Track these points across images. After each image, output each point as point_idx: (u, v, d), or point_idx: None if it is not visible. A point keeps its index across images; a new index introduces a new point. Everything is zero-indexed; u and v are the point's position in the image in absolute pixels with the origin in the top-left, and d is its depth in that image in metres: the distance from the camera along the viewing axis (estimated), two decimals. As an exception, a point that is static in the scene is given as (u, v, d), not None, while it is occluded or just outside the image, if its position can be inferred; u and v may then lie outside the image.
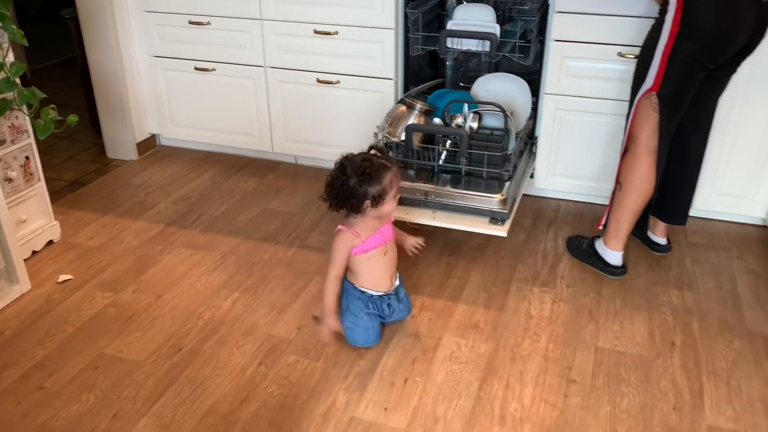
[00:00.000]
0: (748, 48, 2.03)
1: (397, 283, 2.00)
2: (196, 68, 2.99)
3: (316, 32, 2.72)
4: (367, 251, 1.88)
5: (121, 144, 3.18)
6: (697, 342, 1.96)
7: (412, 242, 2.09)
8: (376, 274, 1.92)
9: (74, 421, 1.69)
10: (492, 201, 2.23)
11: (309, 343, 1.96)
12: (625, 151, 2.16)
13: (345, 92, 2.79)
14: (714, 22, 1.91)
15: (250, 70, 2.91)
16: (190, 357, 1.91)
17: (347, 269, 1.93)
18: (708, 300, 2.15)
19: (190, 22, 2.89)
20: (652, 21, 2.03)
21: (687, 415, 1.71)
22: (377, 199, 1.79)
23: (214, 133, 3.12)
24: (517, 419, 1.70)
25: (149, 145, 3.27)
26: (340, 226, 1.88)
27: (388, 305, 1.94)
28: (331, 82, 2.79)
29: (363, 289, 1.92)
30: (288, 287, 2.22)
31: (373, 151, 1.86)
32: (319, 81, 2.80)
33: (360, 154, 1.86)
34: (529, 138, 2.70)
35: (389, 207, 1.85)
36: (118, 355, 1.92)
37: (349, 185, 1.79)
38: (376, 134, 2.40)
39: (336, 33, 2.69)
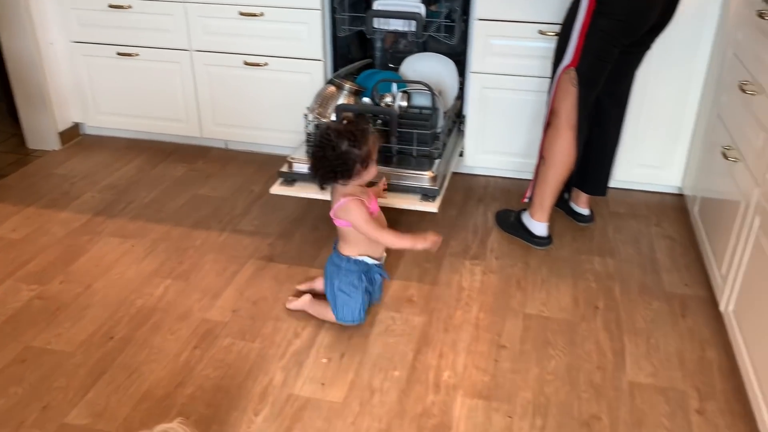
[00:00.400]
0: (659, 25, 2.13)
1: (385, 254, 2.02)
2: (118, 53, 2.90)
3: (241, 14, 2.68)
4: (372, 215, 1.90)
5: (42, 134, 3.06)
6: (618, 305, 2.06)
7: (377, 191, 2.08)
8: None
9: (1, 415, 1.64)
10: (423, 178, 2.27)
11: (244, 326, 1.96)
12: (548, 126, 2.23)
13: (273, 74, 2.77)
14: (628, 0, 1.99)
15: (176, 54, 2.85)
16: (123, 345, 1.88)
17: (342, 243, 1.93)
18: (628, 265, 2.26)
19: (110, 6, 2.80)
20: (570, -1, 2.11)
21: (610, 373, 1.80)
22: (366, 160, 1.81)
23: (140, 120, 3.05)
24: (450, 386, 1.75)
25: (72, 135, 3.17)
26: (343, 199, 1.85)
27: (380, 275, 1.96)
28: (259, 65, 2.76)
29: (359, 259, 1.91)
30: (221, 272, 2.21)
31: (345, 121, 1.88)
32: (246, 63, 2.77)
33: (336, 121, 1.87)
34: (458, 116, 2.75)
35: (374, 168, 1.86)
36: (46, 347, 1.87)
37: (342, 150, 1.78)
38: (306, 115, 2.40)
39: (262, 14, 2.67)
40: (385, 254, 2.02)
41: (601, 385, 1.76)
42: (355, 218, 1.84)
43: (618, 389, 1.75)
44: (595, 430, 1.63)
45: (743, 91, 1.89)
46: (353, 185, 1.86)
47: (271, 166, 2.87)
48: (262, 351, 1.87)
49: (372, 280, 1.95)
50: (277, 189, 2.31)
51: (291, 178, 2.31)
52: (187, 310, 2.02)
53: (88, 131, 3.22)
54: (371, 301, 2.00)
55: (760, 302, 1.63)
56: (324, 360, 1.84)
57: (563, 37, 2.12)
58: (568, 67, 2.08)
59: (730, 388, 1.76)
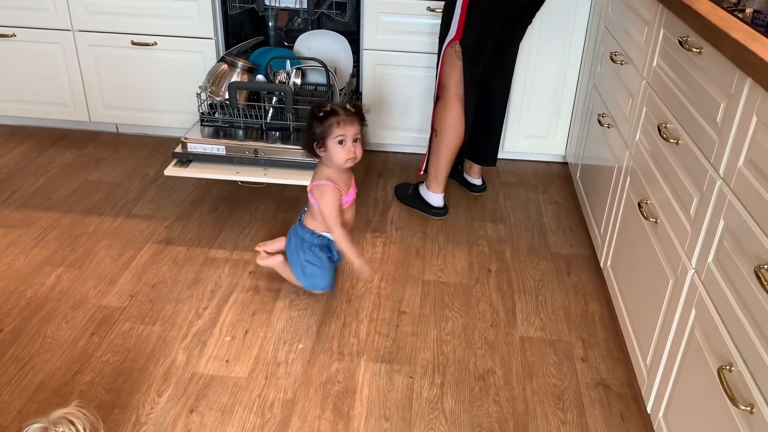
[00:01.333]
0: (537, 1, 2.24)
1: None
2: (-8, 34, 2.74)
3: (126, -8, 2.60)
4: (348, 203, 1.93)
5: None
6: (509, 266, 2.19)
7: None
8: (345, 222, 1.95)
9: None
10: (320, 154, 2.29)
11: (144, 309, 1.93)
12: (437, 100, 2.31)
13: (163, 54, 2.70)
14: (505, -24, 2.10)
15: (57, 35, 2.71)
16: (14, 337, 1.81)
17: (311, 217, 1.93)
18: (518, 230, 2.39)
19: (-20, -17, 2.63)
20: (454, -24, 2.18)
21: (502, 330, 1.91)
22: (320, 141, 1.83)
23: (22, 105, 2.89)
24: (354, 353, 1.80)
25: (-54, 123, 2.97)
26: (322, 182, 1.86)
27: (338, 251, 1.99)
28: (147, 44, 2.68)
29: (323, 234, 1.93)
30: (117, 257, 2.15)
31: (348, 105, 1.87)
32: (134, 43, 2.68)
33: (324, 101, 2.00)
34: (354, 94, 2.79)
35: (337, 154, 1.82)
36: (-73, 345, 1.77)
37: (306, 128, 1.87)
38: (198, 95, 2.36)
39: (148, -8, 2.59)
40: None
41: (494, 341, 1.87)
42: (325, 203, 1.87)
43: (510, 344, 1.86)
44: (490, 382, 1.73)
45: (613, 61, 2.04)
46: (335, 169, 1.87)
47: (166, 148, 2.81)
48: (163, 333, 1.85)
49: (331, 251, 1.98)
50: (172, 170, 2.26)
51: (186, 159, 2.28)
52: (82, 297, 1.97)
53: (-36, 119, 3.03)
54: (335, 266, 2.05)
55: (630, 255, 1.78)
56: (228, 338, 1.84)
57: (447, 13, 2.20)
58: (452, 41, 2.16)
59: (610, 336, 1.91)
